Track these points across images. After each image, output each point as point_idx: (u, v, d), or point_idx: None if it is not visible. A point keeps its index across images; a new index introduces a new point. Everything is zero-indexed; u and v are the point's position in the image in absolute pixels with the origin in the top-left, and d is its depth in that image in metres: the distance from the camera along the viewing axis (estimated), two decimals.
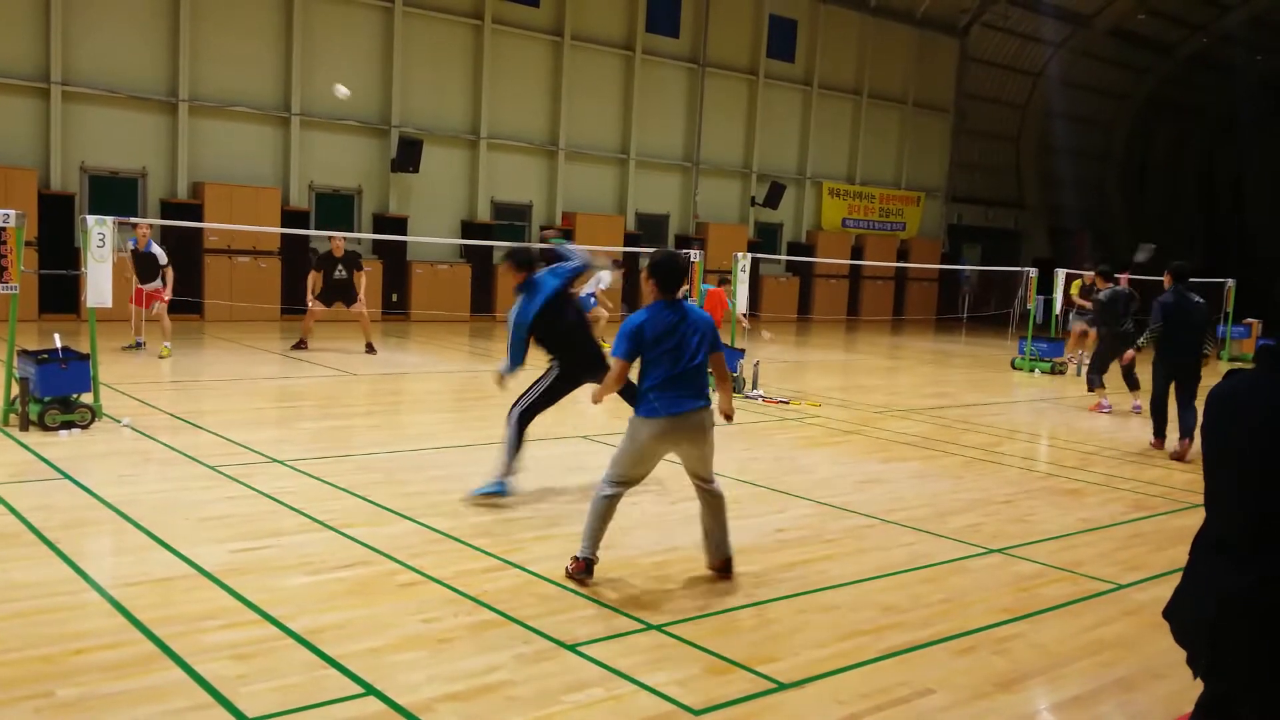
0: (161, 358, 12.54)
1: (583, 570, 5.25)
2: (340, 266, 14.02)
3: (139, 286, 12.94)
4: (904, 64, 28.15)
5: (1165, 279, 10.22)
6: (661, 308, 5.26)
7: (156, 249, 12.89)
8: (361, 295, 14.07)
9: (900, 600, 5.27)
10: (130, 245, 12.86)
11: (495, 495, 6.70)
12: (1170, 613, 2.83)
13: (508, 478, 6.79)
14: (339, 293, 14.05)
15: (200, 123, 17.99)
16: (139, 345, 13.11)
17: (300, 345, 14.14)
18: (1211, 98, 34.91)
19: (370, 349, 14.23)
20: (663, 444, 5.30)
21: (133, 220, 13.00)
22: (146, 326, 13.24)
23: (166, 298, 12.92)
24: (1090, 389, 12.78)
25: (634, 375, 5.40)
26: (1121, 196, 35.73)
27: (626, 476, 5.32)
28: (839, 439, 9.83)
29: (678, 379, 5.19)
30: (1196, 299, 10.03)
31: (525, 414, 6.92)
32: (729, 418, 5.59)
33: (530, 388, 7.01)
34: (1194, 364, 9.82)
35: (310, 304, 13.97)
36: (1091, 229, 32.90)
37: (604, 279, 15.83)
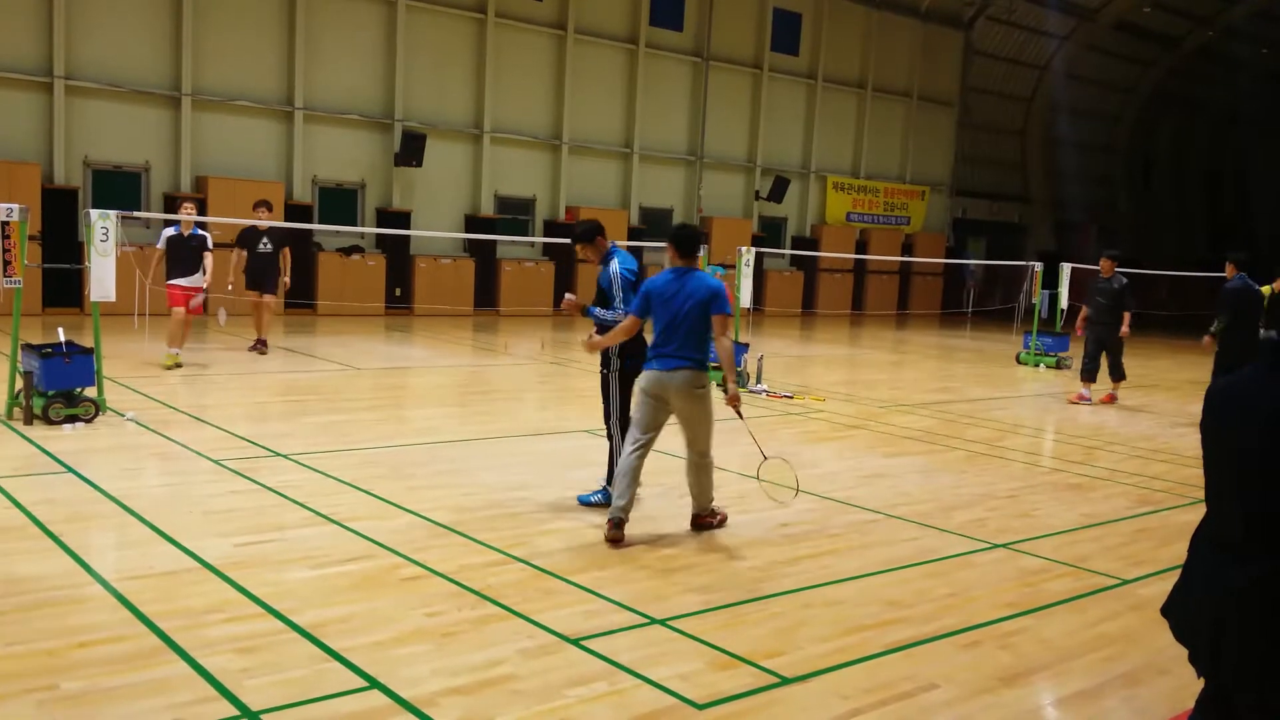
0: (167, 368, 11.17)
1: (612, 528, 5.71)
2: (265, 239, 12.48)
3: (178, 284, 11.15)
4: (908, 57, 28.07)
5: (1229, 269, 10.91)
6: (671, 272, 5.79)
7: (202, 231, 11.41)
8: (285, 278, 12.62)
9: (904, 595, 5.26)
10: (171, 233, 11.27)
11: (598, 504, 6.55)
12: (1168, 610, 2.82)
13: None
14: (260, 273, 12.38)
15: (203, 117, 17.99)
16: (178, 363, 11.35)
17: (259, 345, 12.74)
18: (1217, 91, 34.80)
19: (261, 346, 12.75)
20: (651, 395, 5.81)
21: (175, 211, 11.44)
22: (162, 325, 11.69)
23: (205, 285, 11.27)
24: (1085, 379, 12.69)
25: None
26: (1127, 190, 35.65)
27: (634, 425, 5.87)
28: (843, 434, 9.81)
29: (667, 338, 5.72)
30: (1257, 288, 10.80)
31: (622, 420, 6.47)
32: (733, 405, 5.86)
33: (609, 396, 6.60)
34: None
35: (228, 282, 12.32)
36: (1097, 223, 32.82)
37: None
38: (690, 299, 5.71)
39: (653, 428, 5.91)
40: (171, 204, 17.33)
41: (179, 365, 11.33)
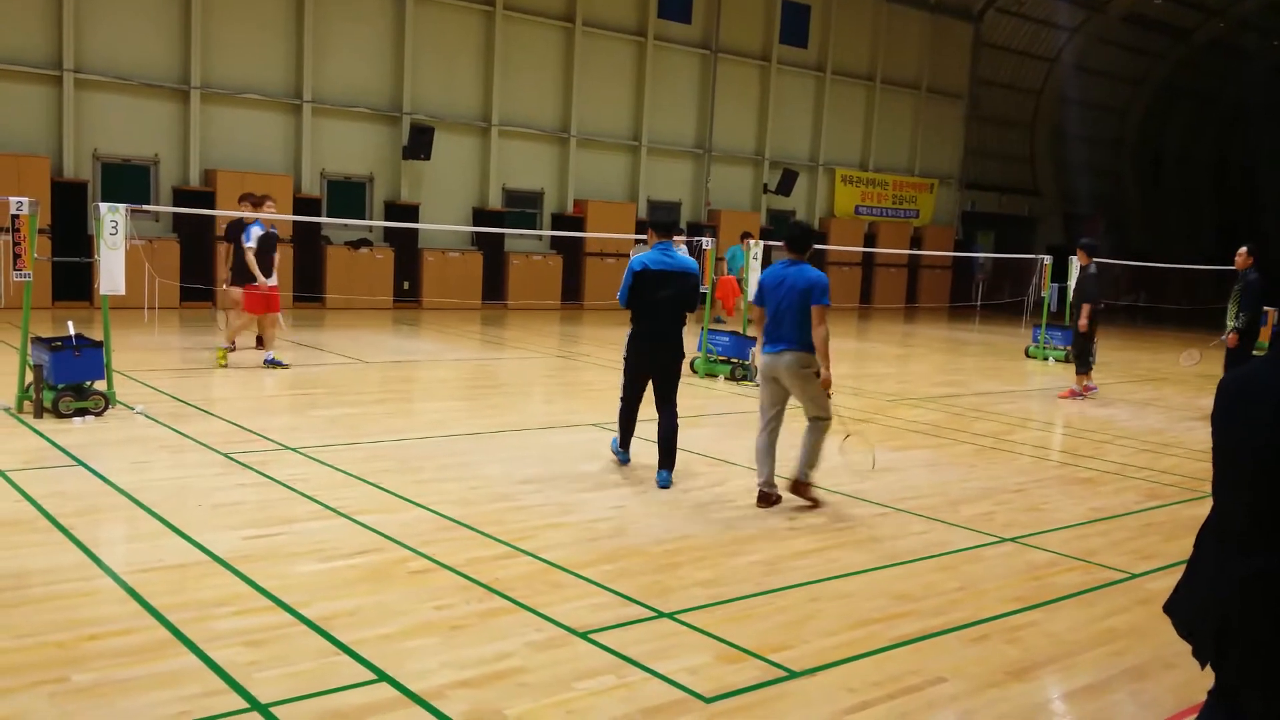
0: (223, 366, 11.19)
1: (760, 499, 6.56)
2: (276, 242, 11.68)
3: (263, 284, 11.06)
4: (918, 49, 27.95)
5: (1240, 259, 10.83)
6: (781, 265, 6.53)
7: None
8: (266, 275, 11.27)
9: (912, 589, 5.26)
10: (261, 232, 11.07)
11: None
12: (1171, 607, 2.78)
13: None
14: (245, 269, 11.30)
15: (212, 110, 18.02)
16: (274, 362, 11.30)
17: (234, 348, 11.88)
18: (1227, 83, 34.58)
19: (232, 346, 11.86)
20: (767, 377, 6.56)
21: (259, 209, 11.28)
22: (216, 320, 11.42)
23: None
24: (1081, 372, 12.61)
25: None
26: (1136, 183, 35.47)
27: (760, 406, 6.65)
28: (850, 427, 9.78)
29: (775, 324, 6.45)
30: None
31: (624, 386, 7.53)
32: (825, 388, 6.51)
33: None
34: None
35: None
36: (1106, 215, 32.68)
37: None
38: (792, 290, 6.40)
39: (774, 405, 6.64)
40: (181, 197, 17.40)
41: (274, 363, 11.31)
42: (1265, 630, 2.50)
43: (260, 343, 12.00)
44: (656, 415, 7.16)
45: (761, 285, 6.60)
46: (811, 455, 6.65)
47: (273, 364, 11.31)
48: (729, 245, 20.95)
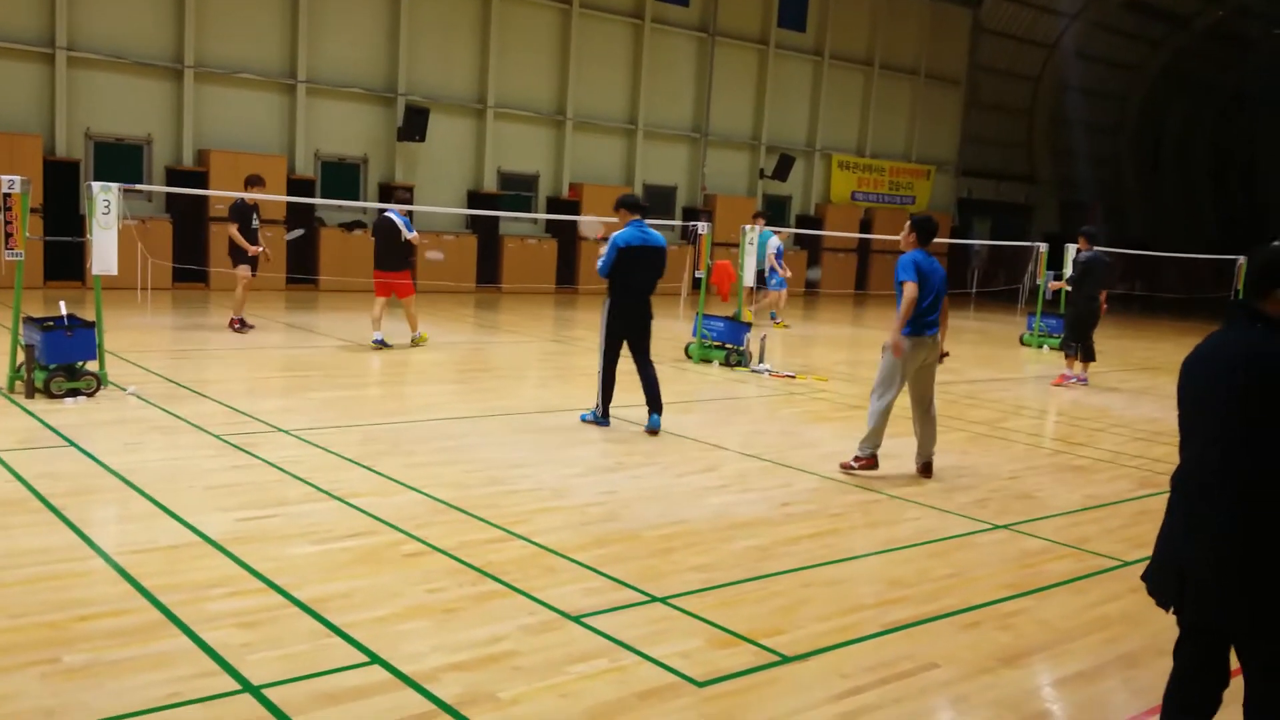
0: (419, 343, 12.38)
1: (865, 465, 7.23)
2: (256, 214, 12.48)
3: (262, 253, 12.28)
4: (916, 35, 27.84)
5: None
6: (921, 253, 7.12)
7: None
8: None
9: (905, 575, 5.26)
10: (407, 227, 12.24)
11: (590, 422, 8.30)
12: (1147, 573, 3.06)
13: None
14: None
15: (206, 89, 17.89)
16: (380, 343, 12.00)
17: (242, 326, 12.47)
18: (1227, 71, 34.51)
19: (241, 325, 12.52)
20: (914, 357, 7.09)
21: (390, 200, 12.02)
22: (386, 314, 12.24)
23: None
24: (1069, 357, 12.60)
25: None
26: (1134, 171, 35.44)
27: (893, 381, 7.16)
28: (845, 413, 9.80)
29: (931, 308, 7.06)
30: None
31: (606, 350, 8.40)
32: (943, 355, 7.30)
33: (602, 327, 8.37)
34: None
35: (251, 253, 12.20)
36: (1104, 203, 32.65)
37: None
38: (940, 278, 7.17)
39: (904, 381, 7.23)
40: (174, 177, 17.29)
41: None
42: (1239, 575, 2.77)
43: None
44: (638, 371, 8.21)
45: (923, 271, 7.06)
46: (933, 440, 7.40)
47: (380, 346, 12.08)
48: (725, 230, 20.91)
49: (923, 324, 7.05)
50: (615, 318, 8.18)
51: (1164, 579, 2.96)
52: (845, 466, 7.28)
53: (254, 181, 12.45)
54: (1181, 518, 2.93)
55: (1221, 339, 2.91)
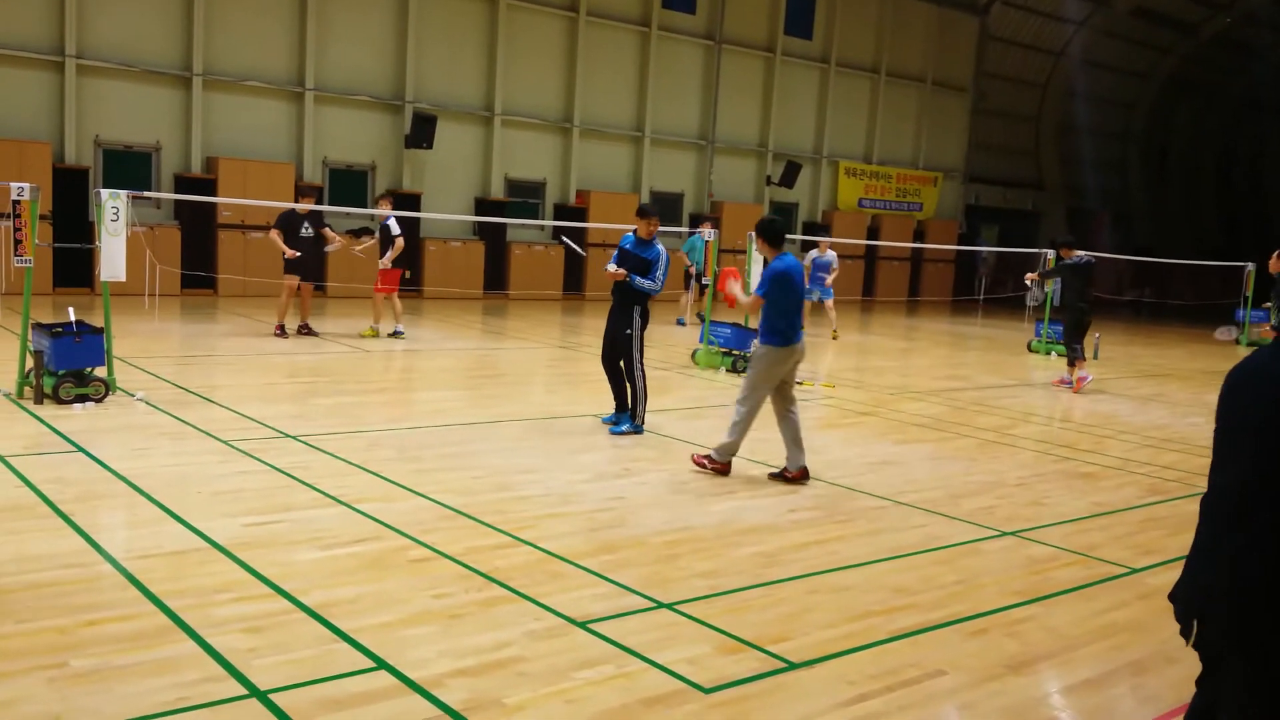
0: (397, 335, 13.55)
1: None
2: (306, 223, 12.71)
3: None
4: (923, 42, 27.86)
5: (1275, 262, 10.90)
6: (786, 256, 7.13)
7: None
8: (337, 238, 13.08)
9: (912, 582, 5.25)
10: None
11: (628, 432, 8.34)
12: (1172, 594, 2.87)
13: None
14: (307, 258, 12.69)
15: (214, 97, 17.98)
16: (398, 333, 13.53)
17: (304, 329, 13.15)
18: (1234, 79, 34.46)
19: (307, 329, 13.20)
20: (788, 364, 7.11)
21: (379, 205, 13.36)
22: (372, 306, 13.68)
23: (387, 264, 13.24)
24: (1072, 363, 12.58)
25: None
26: (1141, 178, 35.37)
27: (765, 394, 7.18)
28: (852, 420, 9.79)
29: (798, 314, 7.15)
30: None
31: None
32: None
33: (636, 349, 8.46)
34: None
35: (288, 255, 12.54)
36: (1111, 210, 32.59)
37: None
38: (802, 278, 7.23)
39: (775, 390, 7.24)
40: (183, 184, 17.36)
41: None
42: (1252, 597, 2.60)
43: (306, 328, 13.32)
44: (626, 376, 8.49)
45: (784, 284, 6.99)
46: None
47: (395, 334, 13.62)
48: (732, 237, 20.91)
49: (792, 332, 7.09)
50: (644, 325, 8.55)
51: (1186, 611, 2.85)
52: (699, 461, 7.23)
53: (305, 193, 13.46)
54: (1209, 544, 2.81)
55: (1273, 354, 2.72)
